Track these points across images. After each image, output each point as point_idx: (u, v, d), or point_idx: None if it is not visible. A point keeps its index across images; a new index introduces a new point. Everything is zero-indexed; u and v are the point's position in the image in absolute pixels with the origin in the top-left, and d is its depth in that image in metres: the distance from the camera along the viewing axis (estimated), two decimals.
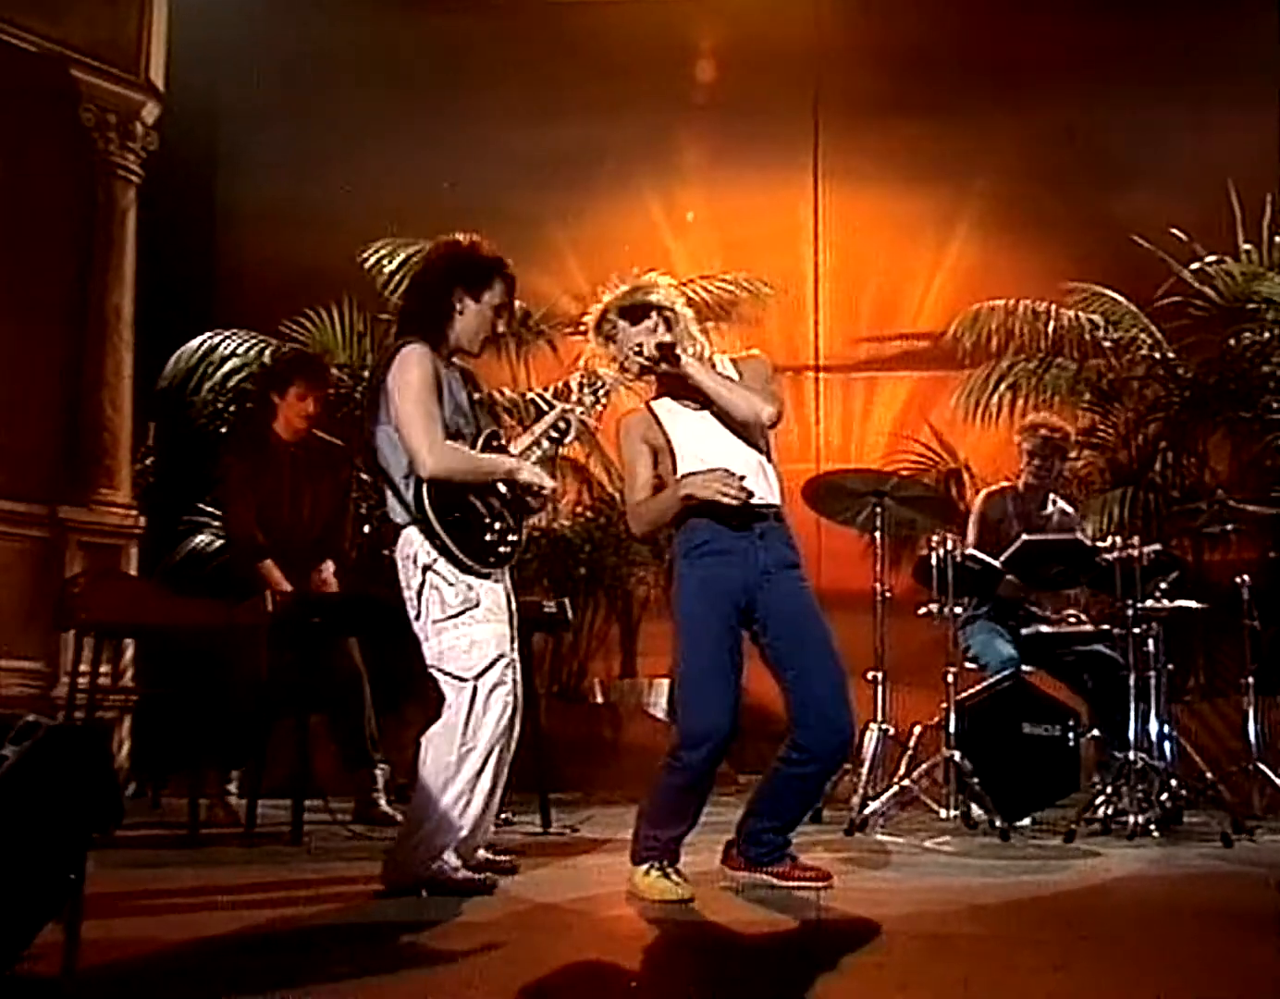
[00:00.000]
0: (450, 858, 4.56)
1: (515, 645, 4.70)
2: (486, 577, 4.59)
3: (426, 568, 4.52)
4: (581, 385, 4.92)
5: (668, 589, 9.09)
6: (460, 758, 4.51)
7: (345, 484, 7.07)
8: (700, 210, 10.13)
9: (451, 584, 4.52)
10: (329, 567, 6.83)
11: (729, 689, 4.55)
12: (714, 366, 4.79)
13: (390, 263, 9.14)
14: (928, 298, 10.20)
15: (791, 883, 4.74)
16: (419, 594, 4.53)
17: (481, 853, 4.89)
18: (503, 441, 4.85)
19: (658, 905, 4.48)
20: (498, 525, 4.64)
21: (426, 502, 4.52)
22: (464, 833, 4.57)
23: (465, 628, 4.51)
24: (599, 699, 9.39)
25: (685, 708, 4.62)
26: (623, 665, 9.72)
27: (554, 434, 4.91)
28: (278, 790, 6.46)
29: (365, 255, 9.16)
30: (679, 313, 4.81)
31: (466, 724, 4.50)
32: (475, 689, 4.50)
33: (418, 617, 4.57)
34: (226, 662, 6.34)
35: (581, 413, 4.94)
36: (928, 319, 10.11)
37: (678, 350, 4.66)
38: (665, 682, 9.19)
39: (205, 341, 9.13)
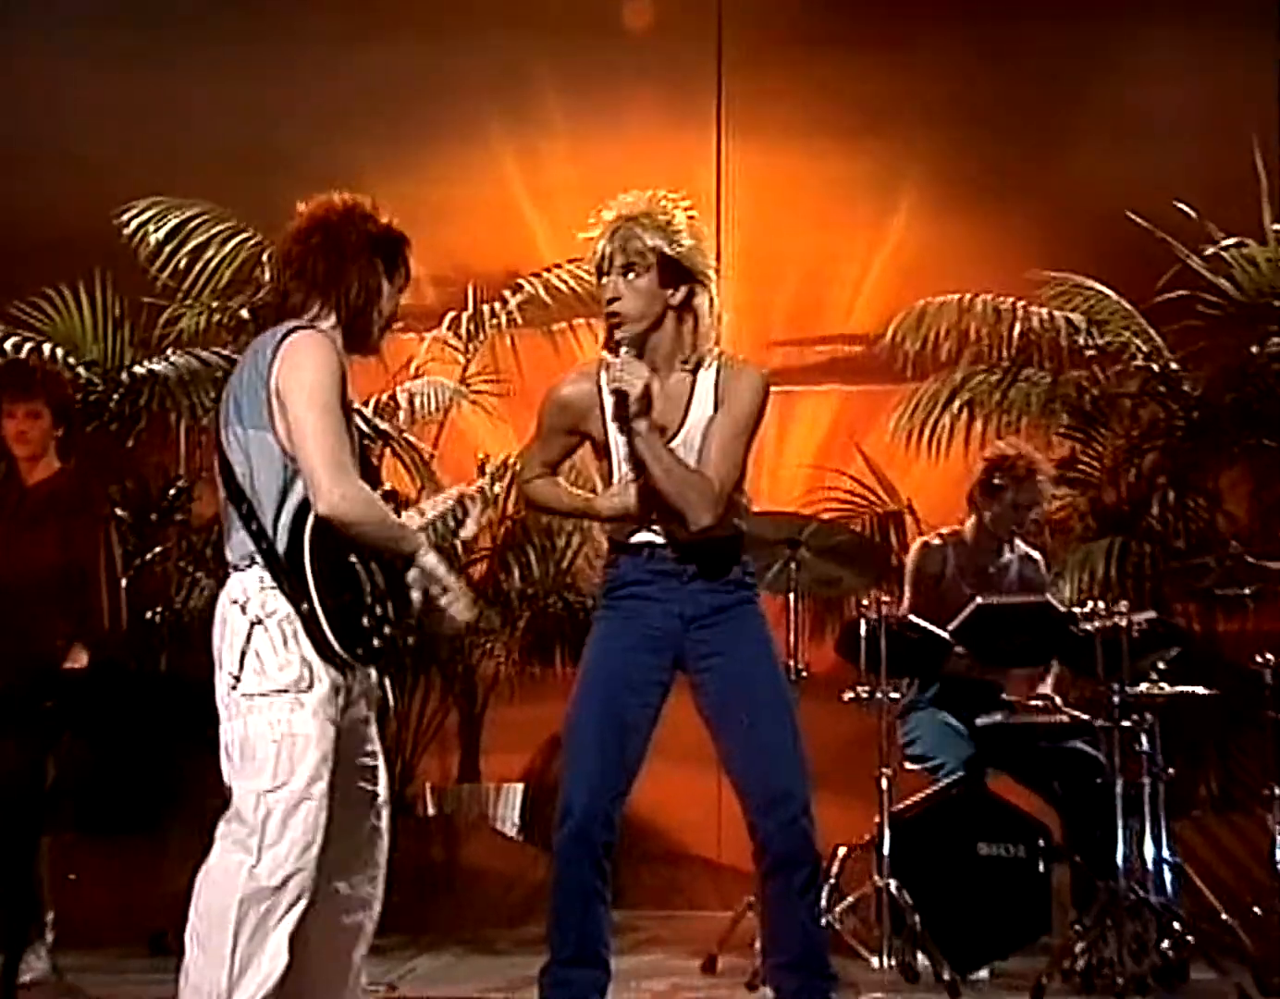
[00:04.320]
0: None
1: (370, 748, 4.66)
2: (340, 666, 4.43)
3: (254, 624, 4.37)
4: (482, 466, 5.04)
5: (523, 666, 9.55)
6: (246, 898, 4.30)
7: (97, 526, 6.92)
8: (570, 173, 9.99)
9: (279, 652, 4.37)
10: (81, 655, 6.69)
11: (604, 757, 4.88)
12: (696, 365, 4.97)
13: (158, 229, 9.08)
14: (861, 290, 10.19)
15: None
16: (240, 656, 4.38)
17: None
18: (399, 504, 4.81)
19: None
20: (378, 610, 4.50)
21: (306, 541, 4.38)
22: None
23: (283, 713, 4.35)
24: (429, 810, 9.32)
25: (562, 775, 4.98)
26: (462, 766, 9.65)
27: (452, 521, 4.95)
28: None
29: (125, 218, 9.07)
30: (672, 260, 4.89)
31: (260, 851, 4.31)
32: (277, 801, 4.32)
33: (226, 687, 4.41)
34: None
35: (482, 504, 5.04)
36: (861, 318, 10.09)
37: (633, 407, 4.81)
38: (519, 787, 9.29)
39: None
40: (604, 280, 4.92)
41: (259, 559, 4.41)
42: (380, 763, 4.65)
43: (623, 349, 4.85)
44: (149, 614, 8.87)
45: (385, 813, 4.64)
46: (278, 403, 4.40)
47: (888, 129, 9.96)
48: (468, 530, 4.95)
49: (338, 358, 4.45)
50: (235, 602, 4.42)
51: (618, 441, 4.96)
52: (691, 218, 4.99)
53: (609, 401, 4.88)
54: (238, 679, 4.36)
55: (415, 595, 4.55)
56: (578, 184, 9.73)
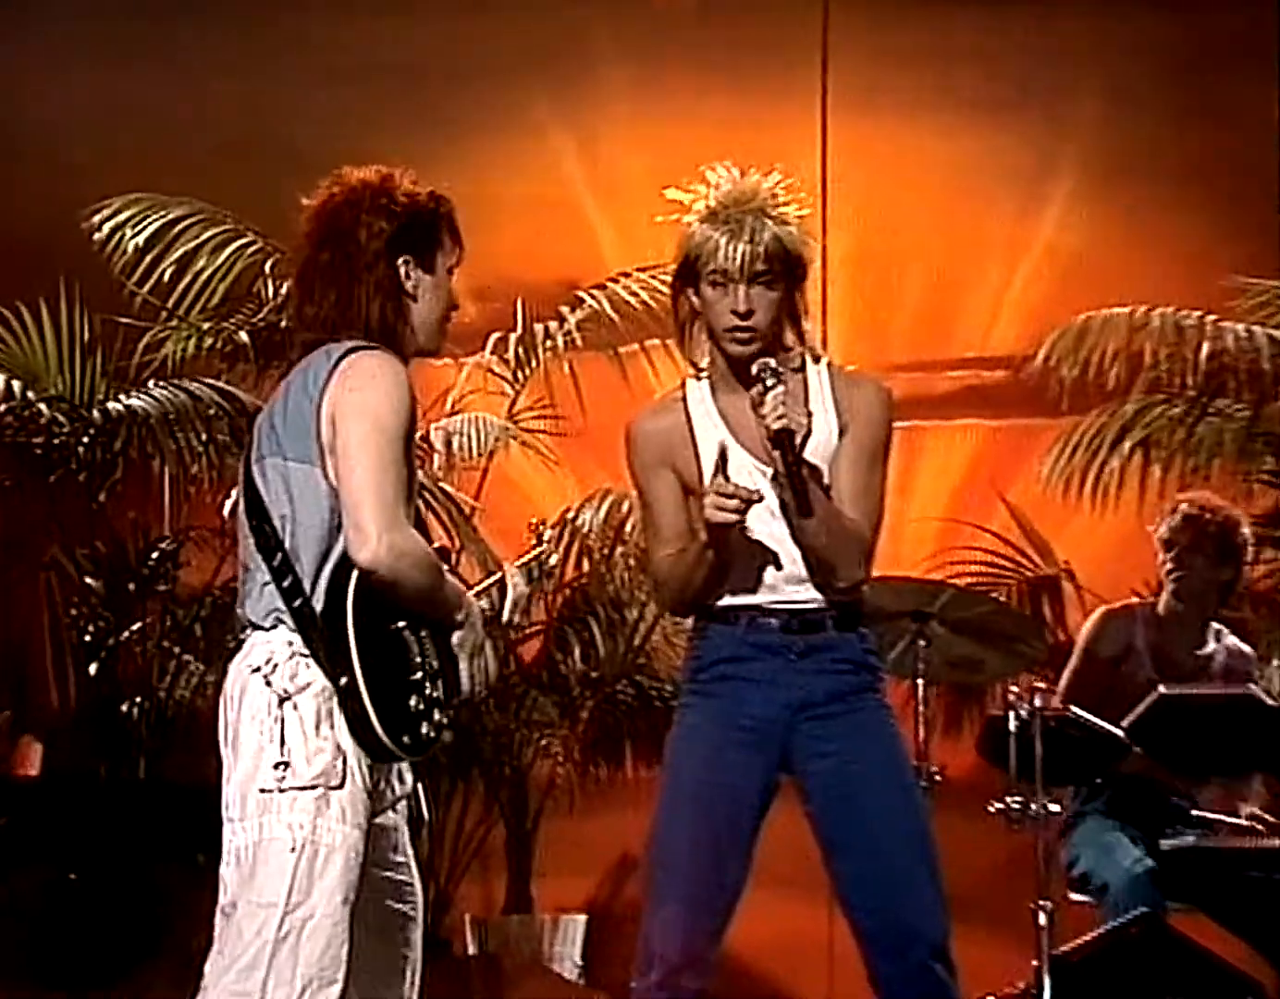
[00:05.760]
0: None
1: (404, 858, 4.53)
2: (380, 757, 4.40)
3: (283, 699, 4.30)
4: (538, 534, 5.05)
5: (585, 767, 9.59)
6: None
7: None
8: (638, 163, 9.75)
9: (310, 737, 4.30)
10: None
11: (699, 888, 4.84)
12: (805, 382, 4.98)
13: (137, 233, 9.03)
14: (1003, 301, 10.05)
15: None
16: (276, 739, 4.32)
17: None
18: (453, 564, 4.83)
19: None
20: (428, 689, 4.47)
21: (349, 600, 4.30)
22: None
23: (305, 815, 4.28)
24: (470, 948, 9.21)
25: (645, 908, 4.96)
26: (511, 893, 9.45)
27: (486, 603, 4.89)
28: None
29: (97, 220, 9.03)
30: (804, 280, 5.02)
31: (266, 992, 4.22)
32: (289, 924, 4.23)
33: (243, 774, 4.36)
34: None
35: (526, 579, 5.01)
36: (1004, 336, 9.97)
37: (797, 438, 4.80)
38: (580, 920, 9.18)
39: None
40: (714, 289, 4.86)
41: (288, 619, 4.37)
42: (416, 878, 4.52)
43: (773, 379, 4.79)
44: (125, 706, 8.83)
45: (419, 942, 4.52)
46: (330, 433, 4.38)
47: (1037, 100, 9.84)
48: (504, 616, 4.86)
49: (408, 385, 4.42)
50: (257, 669, 4.36)
51: (710, 461, 4.91)
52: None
53: (775, 454, 4.78)
54: (285, 764, 4.31)
55: (464, 668, 4.52)
56: (648, 177, 9.26)
